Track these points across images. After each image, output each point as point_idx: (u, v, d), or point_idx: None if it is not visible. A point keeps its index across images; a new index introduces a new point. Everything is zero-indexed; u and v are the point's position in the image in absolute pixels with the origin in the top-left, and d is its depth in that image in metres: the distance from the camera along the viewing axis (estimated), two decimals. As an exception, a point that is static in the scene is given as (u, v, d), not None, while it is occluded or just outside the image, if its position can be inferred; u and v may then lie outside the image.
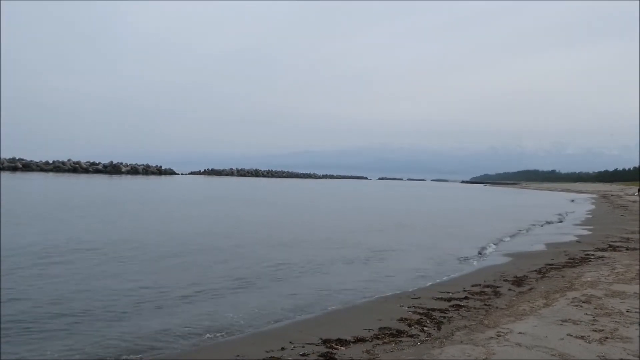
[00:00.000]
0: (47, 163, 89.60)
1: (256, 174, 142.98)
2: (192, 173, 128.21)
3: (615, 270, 10.14)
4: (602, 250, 13.82)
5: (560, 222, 25.96)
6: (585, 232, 19.57)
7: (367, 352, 5.55)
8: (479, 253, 14.17)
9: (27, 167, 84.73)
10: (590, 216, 29.90)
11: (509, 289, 8.94)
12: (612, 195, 65.15)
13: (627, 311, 6.83)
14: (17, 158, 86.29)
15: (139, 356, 5.70)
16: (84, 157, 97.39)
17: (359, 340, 6.03)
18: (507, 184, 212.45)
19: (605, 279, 9.23)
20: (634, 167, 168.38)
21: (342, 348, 5.75)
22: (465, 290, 8.86)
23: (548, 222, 25.28)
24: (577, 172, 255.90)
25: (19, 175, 66.14)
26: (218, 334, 6.51)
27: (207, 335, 6.46)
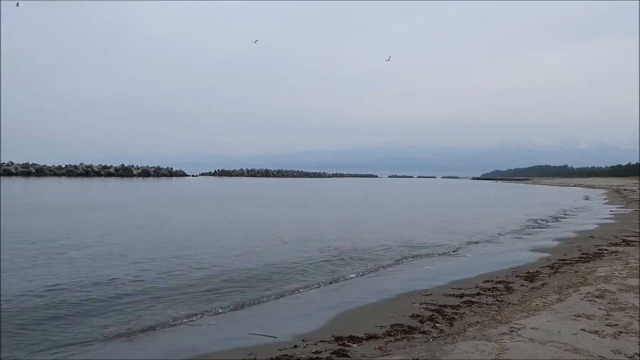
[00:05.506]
0: (59, 167, 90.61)
1: (266, 174, 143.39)
2: (202, 174, 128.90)
3: (629, 265, 10.04)
4: (616, 245, 13.68)
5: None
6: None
7: (380, 348, 5.56)
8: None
9: (40, 171, 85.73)
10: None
11: (522, 285, 8.89)
12: (625, 190, 64.40)
13: (642, 305, 6.77)
14: (30, 163, 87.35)
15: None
16: (95, 161, 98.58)
17: (371, 337, 6.04)
18: (519, 179, 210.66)
19: (619, 273, 9.14)
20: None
21: (354, 345, 5.77)
22: (477, 287, 8.83)
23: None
24: (590, 167, 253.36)
25: (32, 180, 66.93)
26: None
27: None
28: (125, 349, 6.04)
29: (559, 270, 10.21)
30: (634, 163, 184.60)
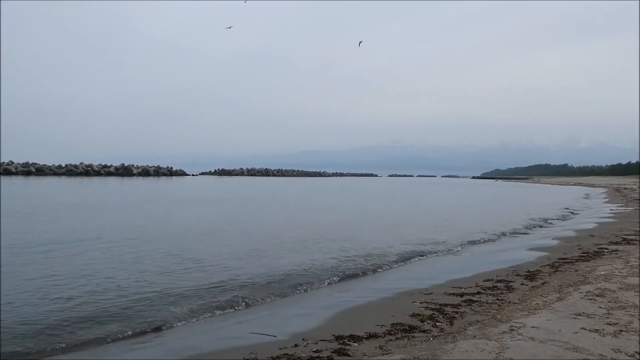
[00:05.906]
0: (59, 167, 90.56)
1: (266, 173, 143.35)
2: (202, 174, 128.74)
3: (630, 264, 10.04)
4: (616, 243, 13.68)
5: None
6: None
7: (380, 347, 5.56)
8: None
9: (40, 171, 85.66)
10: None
11: (522, 284, 8.90)
12: (625, 189, 64.37)
13: (642, 304, 6.76)
14: (30, 162, 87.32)
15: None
16: (95, 160, 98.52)
17: (371, 336, 6.04)
18: (519, 178, 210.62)
19: (620, 272, 9.15)
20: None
21: (355, 344, 5.78)
22: (477, 285, 8.84)
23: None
24: (590, 165, 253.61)
25: (32, 179, 66.94)
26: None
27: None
28: (126, 349, 6.05)
29: (559, 269, 10.21)
30: (634, 162, 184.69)
